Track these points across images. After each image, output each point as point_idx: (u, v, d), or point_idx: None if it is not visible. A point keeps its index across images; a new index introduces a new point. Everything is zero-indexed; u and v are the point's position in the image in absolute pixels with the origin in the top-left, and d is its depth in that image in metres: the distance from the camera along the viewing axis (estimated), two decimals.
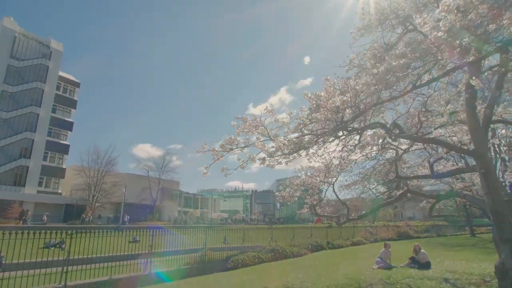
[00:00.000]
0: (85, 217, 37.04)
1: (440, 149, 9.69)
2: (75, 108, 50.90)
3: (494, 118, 7.86)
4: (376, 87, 3.70)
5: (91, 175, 43.46)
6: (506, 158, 16.88)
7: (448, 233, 32.45)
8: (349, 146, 8.01)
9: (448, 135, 8.75)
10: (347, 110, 4.22)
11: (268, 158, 5.32)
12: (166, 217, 53.74)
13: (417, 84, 4.18)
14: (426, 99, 6.90)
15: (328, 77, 4.59)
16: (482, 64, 5.56)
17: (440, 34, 2.62)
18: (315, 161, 8.27)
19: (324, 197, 12.36)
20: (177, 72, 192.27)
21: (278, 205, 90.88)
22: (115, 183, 43.88)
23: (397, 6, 5.50)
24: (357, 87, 3.94)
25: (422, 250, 11.21)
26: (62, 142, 47.95)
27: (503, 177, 14.35)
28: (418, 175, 10.59)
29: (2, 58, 40.90)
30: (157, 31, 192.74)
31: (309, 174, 11.02)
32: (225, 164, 5.54)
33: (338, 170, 9.84)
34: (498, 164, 16.34)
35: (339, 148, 7.86)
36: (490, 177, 5.49)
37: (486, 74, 6.15)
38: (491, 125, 8.54)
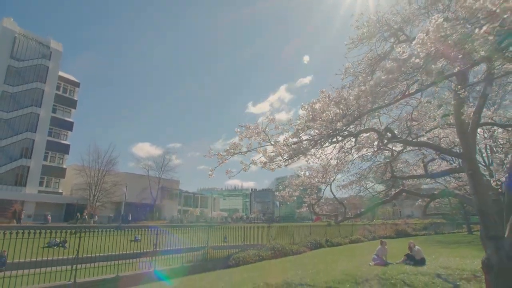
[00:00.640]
0: (80, 216, 36.41)
1: (432, 150, 10.02)
2: (75, 108, 51.15)
3: (485, 120, 8.25)
4: (367, 98, 4.06)
5: (92, 174, 43.77)
6: (503, 156, 17.15)
7: (446, 231, 32.82)
8: (345, 148, 8.35)
9: (441, 136, 9.10)
10: (338, 123, 4.60)
11: (269, 162, 5.69)
12: (167, 216, 54.06)
13: (406, 93, 4.54)
14: (418, 103, 7.26)
15: (324, 90, 4.96)
16: (470, 72, 5.93)
17: (417, 61, 2.97)
18: (313, 162, 8.63)
19: (323, 196, 12.68)
20: (177, 72, 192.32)
21: (278, 203, 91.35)
22: (115, 182, 44.23)
23: (389, 18, 5.88)
24: (351, 97, 4.30)
25: (417, 247, 11.59)
26: (62, 142, 48.21)
27: (493, 176, 14.66)
28: (413, 175, 10.94)
29: (2, 58, 41.08)
30: (157, 31, 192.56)
31: (307, 174, 11.31)
32: (227, 164, 5.91)
33: (335, 170, 10.15)
34: (494, 164, 16.61)
35: (336, 150, 8.21)
36: (476, 178, 5.87)
37: (474, 79, 6.51)
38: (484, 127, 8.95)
